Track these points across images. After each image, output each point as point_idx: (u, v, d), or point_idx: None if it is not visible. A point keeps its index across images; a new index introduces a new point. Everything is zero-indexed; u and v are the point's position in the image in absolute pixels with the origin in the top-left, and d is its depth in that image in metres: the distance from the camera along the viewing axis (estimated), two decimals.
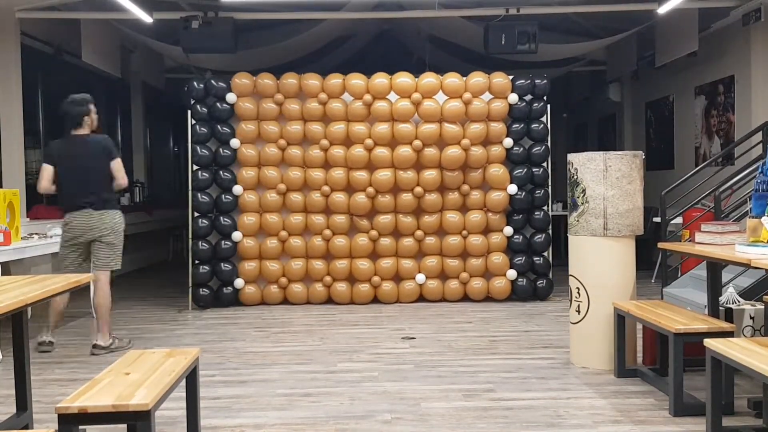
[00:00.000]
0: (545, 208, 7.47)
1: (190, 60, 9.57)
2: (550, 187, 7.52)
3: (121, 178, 5.46)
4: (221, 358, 5.16)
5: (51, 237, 6.43)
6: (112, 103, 11.43)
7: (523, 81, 7.46)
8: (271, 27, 9.52)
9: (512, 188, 7.32)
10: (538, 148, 7.42)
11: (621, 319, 4.50)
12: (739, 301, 4.61)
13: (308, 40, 9.52)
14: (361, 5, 8.35)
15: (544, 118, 7.47)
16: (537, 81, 7.49)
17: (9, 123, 7.54)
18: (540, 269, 7.42)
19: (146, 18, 7.71)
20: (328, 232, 7.28)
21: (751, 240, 3.75)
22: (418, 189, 7.28)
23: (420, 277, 7.32)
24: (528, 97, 7.49)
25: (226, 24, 7.78)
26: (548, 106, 7.51)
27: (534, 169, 7.43)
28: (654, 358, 4.63)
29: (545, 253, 7.48)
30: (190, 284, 7.31)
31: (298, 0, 8.05)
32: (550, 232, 7.54)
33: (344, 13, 8.36)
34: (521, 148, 7.41)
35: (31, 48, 8.33)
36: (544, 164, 7.47)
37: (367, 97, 7.28)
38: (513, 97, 7.38)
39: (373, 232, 7.29)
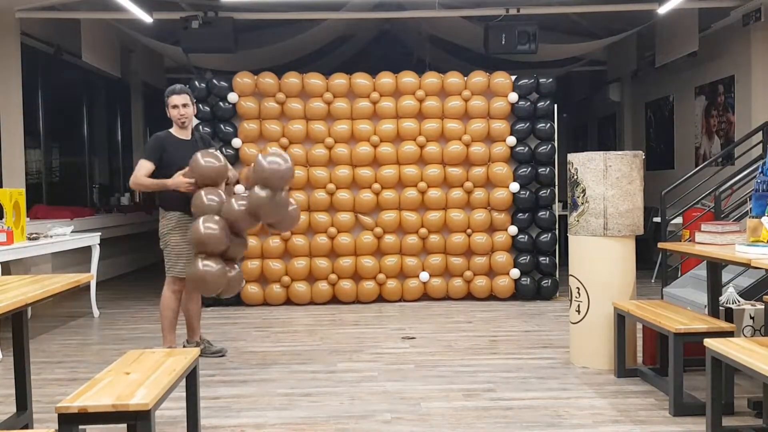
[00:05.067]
0: (552, 207, 7.45)
1: (190, 60, 9.57)
2: (556, 187, 7.51)
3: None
4: (221, 358, 5.16)
5: (51, 237, 6.42)
6: (112, 103, 11.44)
7: (526, 80, 7.46)
8: (271, 27, 9.53)
9: (514, 186, 7.33)
10: (544, 147, 7.41)
11: (621, 319, 4.50)
12: (739, 301, 4.60)
13: (308, 40, 9.53)
14: (361, 5, 8.36)
15: (550, 118, 7.46)
16: (542, 80, 7.49)
17: (9, 123, 7.54)
18: (546, 269, 7.41)
19: (146, 18, 7.72)
20: (333, 230, 7.29)
21: (751, 240, 3.75)
22: (422, 184, 7.31)
23: (424, 275, 7.33)
24: (533, 96, 7.49)
25: (226, 24, 7.78)
26: (555, 105, 7.51)
27: (540, 169, 7.43)
28: (654, 358, 4.63)
29: (551, 253, 7.48)
30: None
31: (298, 0, 8.06)
32: (557, 231, 7.53)
33: (344, 13, 8.37)
34: (526, 147, 7.40)
35: (31, 48, 8.34)
36: (550, 163, 7.46)
37: (374, 95, 7.35)
38: (513, 96, 7.39)
39: (378, 230, 7.30)
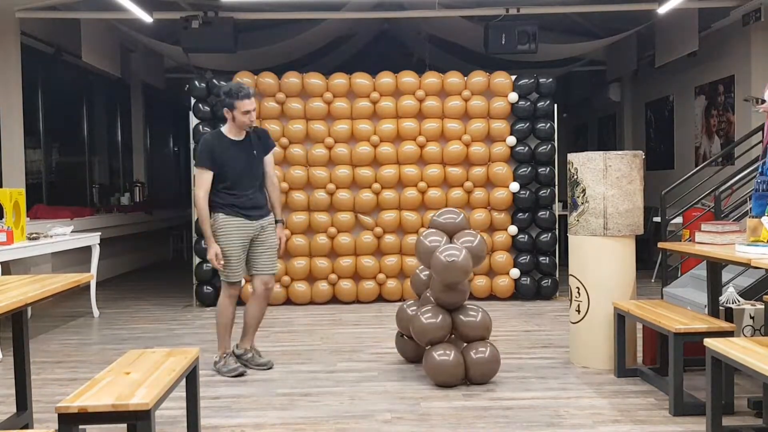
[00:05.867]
0: (552, 207, 7.45)
1: (190, 60, 9.58)
2: (556, 187, 7.50)
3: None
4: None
5: (51, 237, 6.42)
6: (112, 103, 11.44)
7: (526, 80, 7.47)
8: (271, 27, 9.53)
9: (514, 186, 7.33)
10: (544, 147, 7.41)
11: (621, 319, 4.50)
12: (739, 301, 4.60)
13: (308, 40, 9.53)
14: (361, 5, 8.36)
15: (550, 118, 7.46)
16: (542, 80, 7.49)
17: (9, 123, 7.55)
18: (546, 269, 7.41)
19: (146, 18, 7.71)
20: (333, 230, 7.29)
21: (751, 240, 3.75)
22: (422, 184, 7.32)
23: None
24: (533, 96, 7.50)
25: (226, 24, 7.78)
26: (555, 105, 7.50)
27: (540, 169, 7.43)
28: (654, 358, 4.63)
29: (551, 253, 7.47)
30: (195, 282, 7.34)
31: (298, 0, 8.06)
32: (557, 231, 7.52)
33: (344, 13, 8.37)
34: (526, 147, 7.40)
35: (31, 48, 8.34)
36: (550, 163, 7.45)
37: (374, 95, 7.36)
38: (513, 96, 7.39)
39: (378, 230, 7.30)
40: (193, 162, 7.36)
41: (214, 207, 4.65)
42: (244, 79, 7.36)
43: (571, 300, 4.85)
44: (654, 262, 8.72)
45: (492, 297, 7.42)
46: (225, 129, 4.70)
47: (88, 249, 7.00)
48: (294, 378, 4.61)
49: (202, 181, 4.58)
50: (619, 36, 9.43)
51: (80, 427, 2.79)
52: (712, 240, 4.05)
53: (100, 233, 7.16)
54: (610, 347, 4.61)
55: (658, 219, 7.45)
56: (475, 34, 8.73)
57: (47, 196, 9.07)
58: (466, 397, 4.15)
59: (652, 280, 8.55)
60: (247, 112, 4.56)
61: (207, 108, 7.35)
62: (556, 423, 3.68)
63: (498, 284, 7.36)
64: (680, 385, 3.82)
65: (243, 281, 4.83)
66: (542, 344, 5.46)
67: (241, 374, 4.65)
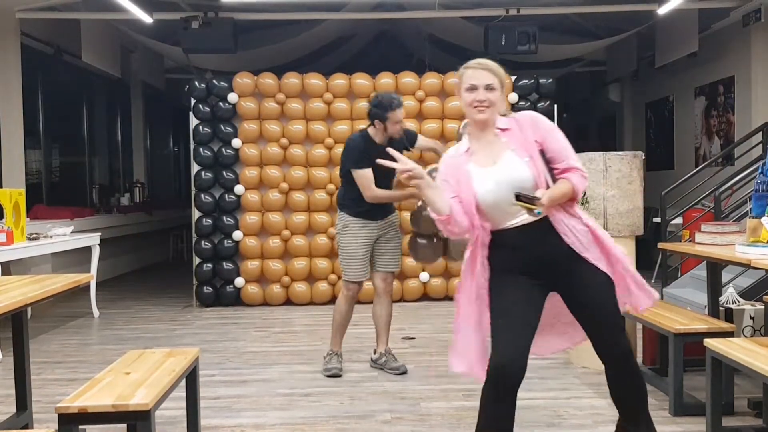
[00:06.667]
0: None
1: (190, 60, 9.58)
2: None
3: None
4: (221, 358, 5.16)
5: (51, 237, 6.42)
6: (112, 103, 11.45)
7: (526, 81, 7.47)
8: (271, 27, 9.53)
9: None
10: None
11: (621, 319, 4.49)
12: (739, 301, 4.60)
13: (308, 40, 9.53)
14: (361, 5, 8.36)
15: (550, 118, 7.45)
16: (542, 81, 7.49)
17: (9, 123, 7.55)
18: None
19: (146, 18, 7.72)
20: (332, 230, 7.28)
21: (751, 240, 3.75)
22: None
23: (424, 275, 7.33)
24: (533, 97, 7.49)
25: (226, 24, 7.79)
26: (555, 106, 7.50)
27: None
28: (654, 358, 4.62)
29: None
30: (195, 282, 7.34)
31: (298, 0, 8.06)
32: None
33: (344, 14, 8.37)
34: None
35: (31, 48, 8.34)
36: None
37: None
38: (513, 97, 7.39)
39: None
40: (193, 161, 7.39)
41: (343, 206, 4.68)
42: (244, 79, 7.36)
43: None
44: (654, 263, 8.72)
45: None
46: (372, 132, 4.56)
47: (88, 249, 7.01)
48: (294, 378, 4.61)
49: (368, 180, 4.46)
50: (619, 36, 9.43)
51: (80, 427, 2.79)
52: (712, 240, 4.05)
53: (100, 233, 7.16)
54: None
55: (658, 219, 7.45)
56: (475, 35, 8.73)
57: (47, 197, 9.07)
58: (466, 397, 4.15)
59: (652, 281, 8.54)
60: (399, 122, 4.49)
61: (207, 108, 7.35)
62: (556, 423, 3.68)
63: None
64: (680, 385, 3.82)
65: (362, 284, 4.80)
66: None
67: (334, 375, 4.63)
